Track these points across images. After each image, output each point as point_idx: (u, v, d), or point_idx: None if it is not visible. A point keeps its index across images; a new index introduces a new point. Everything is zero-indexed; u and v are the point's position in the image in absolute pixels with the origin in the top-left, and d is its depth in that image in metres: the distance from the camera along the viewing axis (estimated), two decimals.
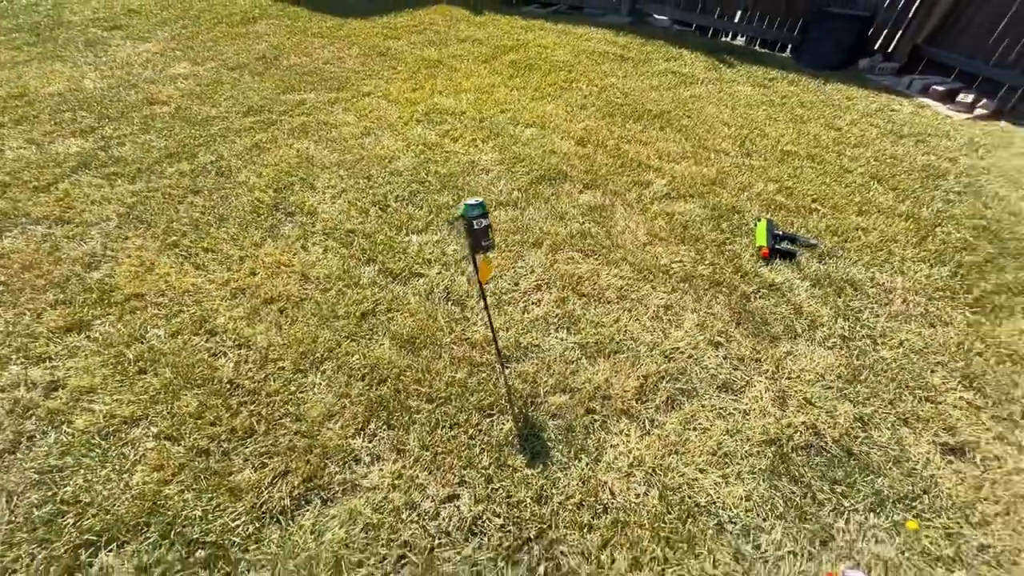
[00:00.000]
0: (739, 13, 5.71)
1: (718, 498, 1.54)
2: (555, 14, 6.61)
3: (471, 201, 1.50)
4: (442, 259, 2.39)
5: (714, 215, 2.79)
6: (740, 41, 5.82)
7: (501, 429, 1.68)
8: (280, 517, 1.44)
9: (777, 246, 2.51)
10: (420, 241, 2.50)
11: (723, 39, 5.90)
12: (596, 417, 1.75)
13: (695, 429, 1.73)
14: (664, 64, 4.93)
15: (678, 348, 2.01)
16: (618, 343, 2.01)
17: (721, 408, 1.80)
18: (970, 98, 4.17)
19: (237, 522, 1.42)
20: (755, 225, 2.67)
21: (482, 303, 1.86)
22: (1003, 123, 4.01)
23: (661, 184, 3.04)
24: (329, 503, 1.48)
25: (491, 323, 1.78)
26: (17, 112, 3.63)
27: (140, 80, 4.25)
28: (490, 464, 1.58)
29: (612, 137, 3.54)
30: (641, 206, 2.85)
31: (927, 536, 1.48)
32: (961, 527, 1.51)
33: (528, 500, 1.50)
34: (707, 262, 2.46)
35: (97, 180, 2.88)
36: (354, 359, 1.89)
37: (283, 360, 1.87)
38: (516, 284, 2.27)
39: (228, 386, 1.78)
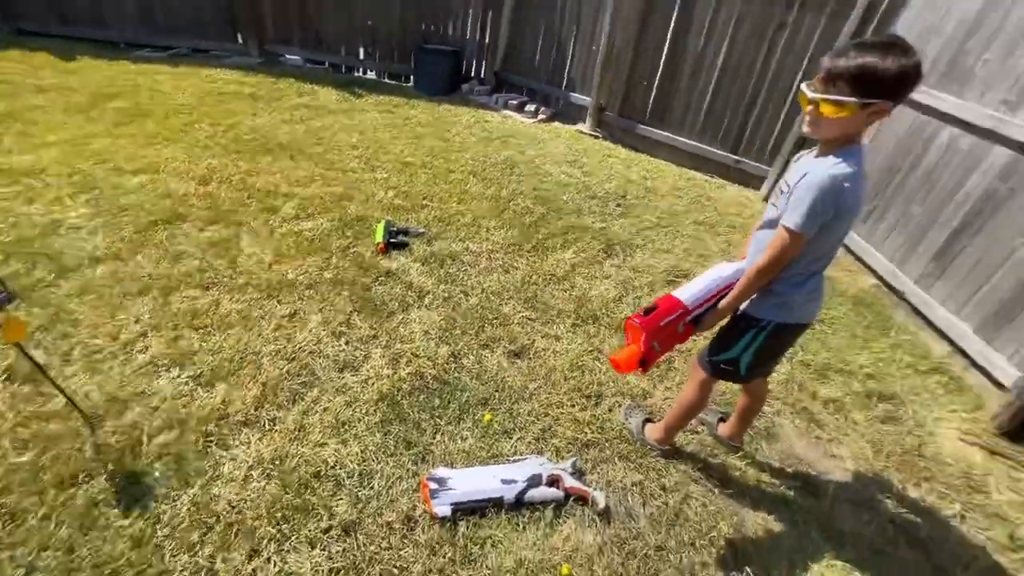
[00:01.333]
0: (361, 50, 6.35)
1: (336, 462, 1.74)
2: (175, 56, 6.12)
3: None
4: None
5: (341, 225, 3.08)
6: (371, 75, 6.48)
7: (88, 492, 1.53)
8: None
9: (392, 240, 2.94)
10: None
11: (356, 74, 6.47)
12: (212, 438, 1.76)
13: (316, 412, 1.91)
14: (297, 99, 5.13)
15: (301, 347, 2.17)
16: (239, 362, 2.06)
17: (342, 386, 2.03)
18: (533, 107, 5.63)
19: None
20: (376, 226, 3.06)
21: (38, 367, 1.64)
22: (556, 123, 5.56)
23: (290, 207, 3.19)
24: None
25: (56, 385, 1.60)
26: None
27: None
28: (70, 534, 1.43)
29: (239, 172, 3.53)
30: (269, 230, 2.94)
31: (497, 421, 1.99)
32: (518, 403, 2.07)
33: (125, 549, 1.42)
34: (332, 267, 2.71)
35: None
36: None
37: None
38: (115, 338, 2.08)
39: None
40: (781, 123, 4.23)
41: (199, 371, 1.99)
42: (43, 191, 3.01)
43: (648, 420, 2.01)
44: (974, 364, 2.53)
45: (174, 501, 1.55)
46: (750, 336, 1.51)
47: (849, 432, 2.19)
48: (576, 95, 5.56)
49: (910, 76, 1.15)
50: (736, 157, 4.57)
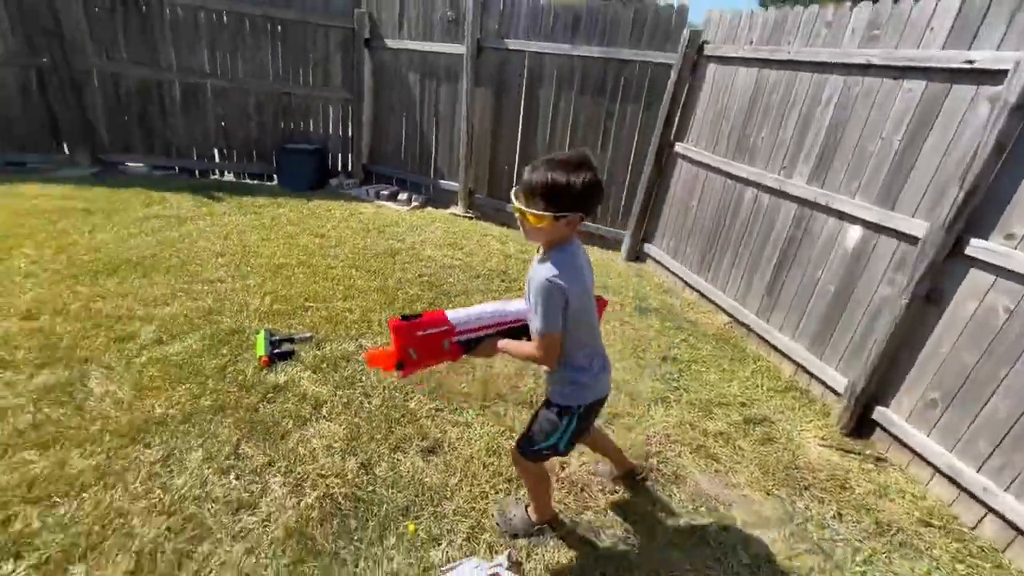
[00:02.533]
0: (216, 153, 6.10)
1: None
2: None
3: None
4: None
5: (214, 343, 2.81)
6: (230, 177, 6.21)
7: None
8: None
9: (276, 351, 2.75)
10: None
11: (212, 177, 6.15)
12: None
13: (211, 571, 1.65)
14: (144, 210, 4.70)
15: (182, 495, 1.89)
16: (100, 531, 1.72)
17: (238, 531, 1.79)
18: (405, 196, 5.82)
19: None
20: (255, 339, 2.84)
21: None
22: (429, 208, 5.79)
23: (149, 331, 2.85)
24: None
25: None
26: None
27: None
28: None
29: (78, 299, 3.08)
30: (125, 362, 2.58)
31: (423, 529, 1.88)
32: (441, 504, 1.99)
33: None
34: (209, 391, 2.44)
35: None
36: None
37: None
38: None
39: None
40: (626, 193, 4.89)
41: (44, 556, 1.61)
42: None
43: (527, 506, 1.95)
44: (814, 377, 3.03)
45: None
46: (564, 422, 1.61)
47: (740, 459, 2.45)
48: (445, 182, 5.88)
49: (592, 190, 1.34)
50: (595, 224, 5.13)
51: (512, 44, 4.96)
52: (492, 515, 1.97)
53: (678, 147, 4.35)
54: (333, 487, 2.00)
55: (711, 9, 3.99)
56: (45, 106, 5.51)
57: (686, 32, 4.08)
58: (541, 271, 1.40)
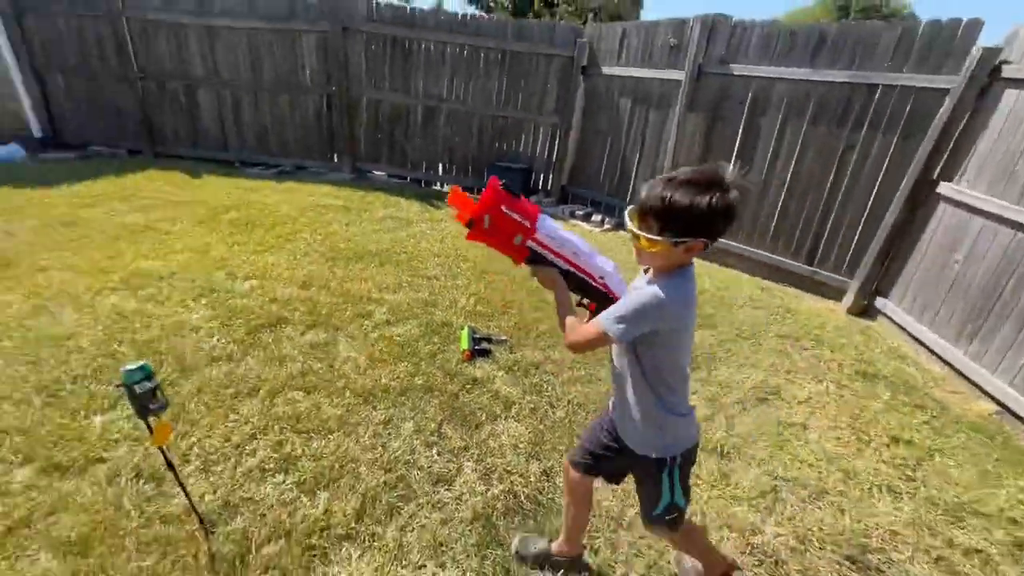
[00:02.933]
0: (440, 167, 7.04)
1: None
2: (280, 174, 7.01)
3: (130, 366, 1.49)
4: (132, 435, 2.15)
5: (428, 331, 3.23)
6: (447, 188, 7.10)
7: None
8: None
9: (477, 348, 3.03)
10: (104, 421, 2.22)
11: (433, 187, 7.12)
12: (315, 553, 1.75)
13: (413, 529, 1.88)
14: (383, 211, 5.66)
15: (396, 457, 2.19)
16: (339, 469, 2.09)
17: (437, 501, 2.01)
18: (599, 217, 5.92)
19: None
20: (460, 333, 3.18)
21: (173, 471, 1.74)
22: (622, 232, 5.79)
23: (381, 312, 3.40)
24: None
25: (184, 490, 1.68)
26: None
27: None
28: None
29: (335, 278, 3.83)
30: (363, 334, 3.12)
31: (595, 554, 1.87)
32: (617, 532, 1.95)
33: None
34: (422, 372, 2.80)
35: None
36: None
37: None
38: (227, 439, 2.18)
39: None
40: (858, 236, 4.21)
41: (302, 477, 2.03)
42: (171, 294, 3.37)
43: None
44: None
45: None
46: (667, 478, 1.40)
47: None
48: None
49: (719, 215, 1.10)
50: (812, 268, 4.52)
51: (737, 69, 4.70)
52: (670, 562, 1.85)
53: (944, 188, 3.59)
54: (517, 484, 2.11)
55: (1020, 23, 3.22)
56: (328, 125, 7.04)
57: (976, 51, 3.36)
58: (648, 288, 1.20)
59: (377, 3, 6.41)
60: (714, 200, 1.10)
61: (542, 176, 6.88)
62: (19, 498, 1.82)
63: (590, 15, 27.62)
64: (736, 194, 1.12)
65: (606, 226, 5.85)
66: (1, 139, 7.30)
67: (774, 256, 4.73)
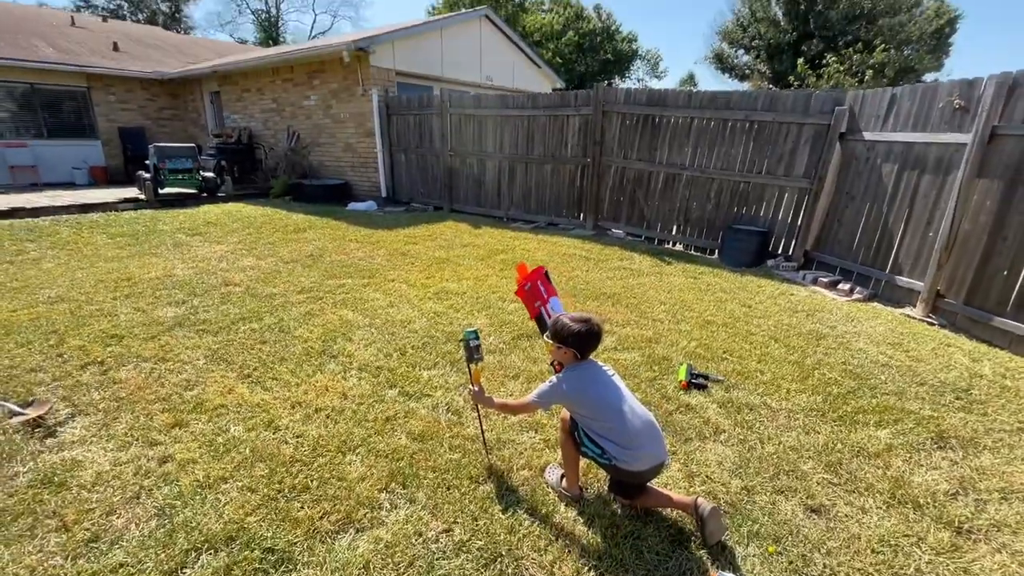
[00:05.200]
0: (675, 227, 7.54)
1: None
2: (536, 228, 8.53)
3: (469, 330, 2.46)
4: (445, 386, 3.24)
5: (649, 361, 3.73)
6: (679, 247, 7.53)
7: (484, 490, 2.34)
8: (327, 537, 2.04)
9: (693, 380, 3.39)
10: (429, 375, 3.38)
11: (666, 246, 7.63)
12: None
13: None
14: (618, 263, 6.43)
15: None
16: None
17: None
18: (847, 287, 5.51)
19: (296, 538, 2.01)
20: (679, 367, 3.59)
21: (475, 411, 2.66)
22: (875, 304, 5.27)
23: (610, 341, 4.05)
24: (360, 532, 2.08)
25: (480, 421, 2.57)
26: (126, 290, 4.81)
27: (217, 269, 5.58)
28: (476, 511, 2.22)
29: (575, 311, 4.66)
30: (594, 354, 3.80)
31: (788, 561, 2.06)
32: (813, 553, 2.09)
33: (502, 532, 2.11)
34: (640, 390, 3.30)
35: (189, 335, 3.86)
36: (380, 446, 2.61)
37: (329, 446, 2.59)
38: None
39: (290, 460, 2.47)
40: None
41: (547, 437, 2.75)
42: (463, 305, 4.68)
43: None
44: None
45: (532, 513, 2.21)
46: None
47: None
48: (903, 279, 5.23)
49: (582, 337, 2.18)
50: None
51: None
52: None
53: None
54: (717, 490, 2.42)
55: None
56: (579, 188, 8.32)
57: None
58: (554, 377, 2.27)
59: (634, 89, 7.50)
60: (581, 328, 2.16)
61: (783, 241, 6.73)
62: (392, 406, 3.00)
63: (868, 72, 24.80)
64: (596, 329, 2.20)
65: (855, 296, 5.42)
66: (366, 198, 10.75)
67: None
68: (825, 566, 2.04)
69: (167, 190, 10.00)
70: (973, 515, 2.34)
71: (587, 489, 2.40)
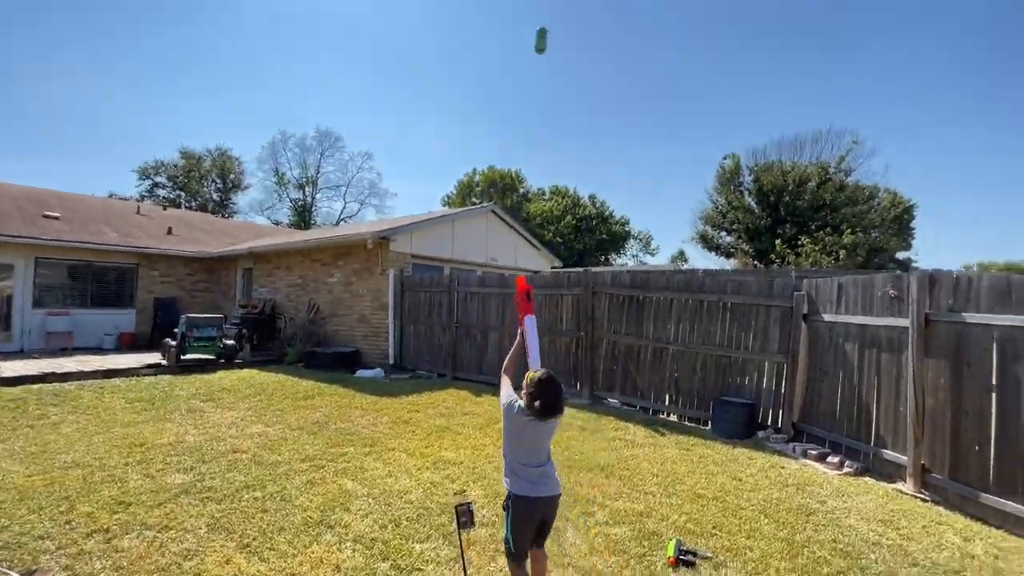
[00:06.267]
0: (667, 397, 7.86)
1: None
2: None
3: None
4: (436, 560, 3.30)
5: (639, 536, 3.78)
6: (673, 417, 7.75)
7: None
8: None
9: (682, 557, 3.43)
10: (422, 548, 3.45)
11: (660, 416, 7.86)
12: None
13: None
14: (613, 433, 6.63)
15: None
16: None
17: None
18: (837, 459, 5.63)
19: None
20: (668, 543, 3.63)
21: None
22: (866, 478, 5.34)
23: (602, 515, 4.13)
24: None
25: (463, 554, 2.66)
26: (138, 455, 5.04)
27: (226, 436, 5.84)
28: None
29: (569, 483, 4.79)
30: (586, 529, 3.87)
31: None
32: None
33: None
34: (630, 567, 3.34)
35: (194, 502, 4.01)
36: None
37: None
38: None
39: None
40: None
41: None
42: (459, 475, 4.83)
43: None
44: None
45: None
46: (507, 514, 2.70)
47: None
48: (889, 452, 5.39)
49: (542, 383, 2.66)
50: None
51: (971, 318, 4.69)
52: None
53: None
54: None
55: None
56: (574, 360, 8.87)
57: None
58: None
59: (618, 272, 8.55)
60: (543, 375, 2.70)
61: (770, 412, 6.99)
62: None
63: (841, 252, 27.34)
64: (555, 380, 2.70)
65: (845, 469, 5.50)
66: (374, 365, 11.32)
67: None
68: None
69: (188, 356, 10.65)
70: None
71: None
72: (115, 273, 14.46)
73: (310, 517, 3.82)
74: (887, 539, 3.93)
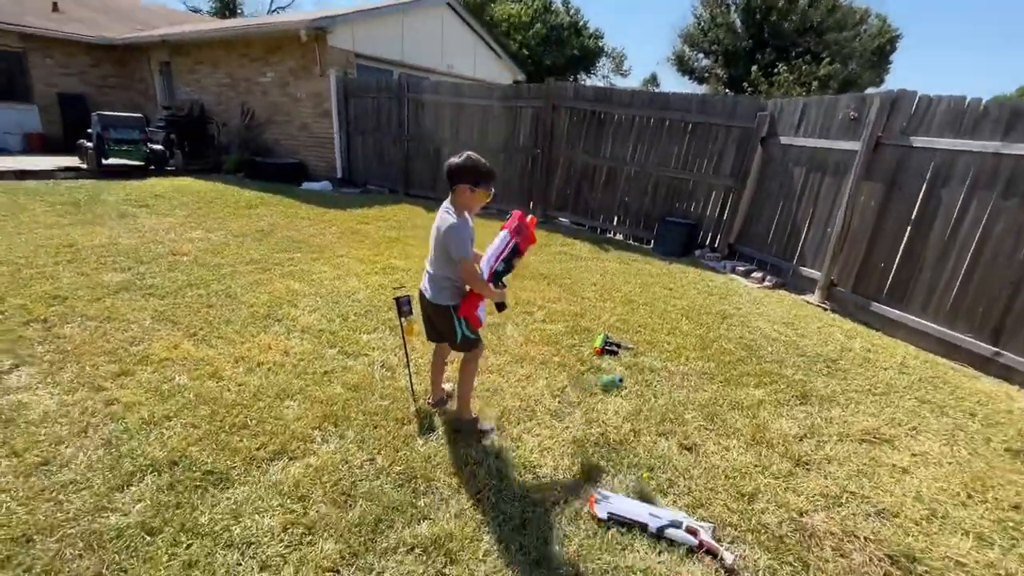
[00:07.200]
0: (615, 218, 8.04)
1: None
2: (488, 215, 8.85)
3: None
4: (382, 347, 3.54)
5: (572, 331, 4.15)
6: (619, 236, 8.05)
7: (408, 430, 2.68)
8: (262, 464, 2.33)
9: (607, 347, 3.83)
10: (369, 338, 3.67)
11: (607, 235, 8.13)
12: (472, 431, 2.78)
13: (529, 432, 2.78)
14: (560, 248, 6.86)
15: (531, 395, 3.14)
16: (490, 395, 3.12)
17: (549, 424, 2.88)
18: (760, 275, 6.15)
19: (234, 464, 2.29)
20: (596, 336, 4.02)
21: (406, 367, 2.97)
22: (781, 291, 5.92)
23: (540, 314, 4.45)
24: (293, 460, 2.38)
25: (410, 375, 2.90)
26: (68, 256, 4.83)
27: (165, 239, 5.63)
28: (399, 444, 2.55)
29: (512, 288, 5.04)
30: (525, 325, 4.19)
31: (655, 482, 2.51)
32: (678, 478, 2.55)
33: (419, 460, 2.46)
34: (559, 355, 3.72)
35: (136, 298, 4.00)
36: (316, 394, 2.90)
37: (268, 393, 2.86)
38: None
39: (231, 404, 2.73)
40: None
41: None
42: (406, 280, 4.96)
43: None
44: None
45: (444, 447, 2.57)
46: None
47: None
48: (806, 269, 5.89)
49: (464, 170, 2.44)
50: (995, 349, 4.16)
51: (918, 142, 4.72)
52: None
53: None
54: (609, 432, 2.85)
55: None
56: (530, 179, 8.69)
57: None
58: (448, 220, 2.49)
59: (582, 86, 7.92)
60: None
61: (710, 234, 7.34)
62: (330, 362, 3.28)
63: (815, 83, 26.33)
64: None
65: (765, 283, 6.05)
66: (321, 178, 10.75)
67: (948, 331, 4.45)
68: (684, 486, 2.50)
69: (111, 161, 9.71)
70: (812, 451, 2.87)
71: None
72: None
73: (257, 312, 3.92)
74: (784, 336, 4.50)
